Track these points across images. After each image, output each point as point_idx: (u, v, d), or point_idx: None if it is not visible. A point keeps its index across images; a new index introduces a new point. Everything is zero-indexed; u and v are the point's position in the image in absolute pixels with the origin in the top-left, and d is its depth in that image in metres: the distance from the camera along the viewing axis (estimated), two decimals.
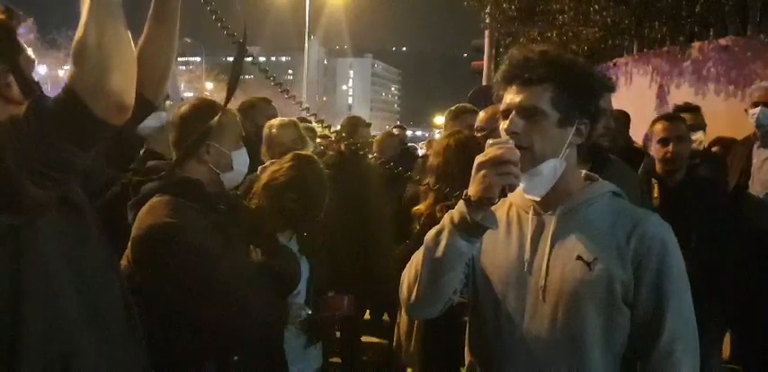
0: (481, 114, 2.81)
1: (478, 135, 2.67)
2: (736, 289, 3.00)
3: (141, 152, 2.71)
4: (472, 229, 1.33)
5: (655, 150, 3.09)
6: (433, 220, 2.16)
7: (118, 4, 1.25)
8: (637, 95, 8.00)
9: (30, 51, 1.44)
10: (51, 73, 30.16)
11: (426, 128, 72.00)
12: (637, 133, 4.14)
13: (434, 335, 2.42)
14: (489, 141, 1.33)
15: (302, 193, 2.29)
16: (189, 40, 49.20)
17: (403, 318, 2.69)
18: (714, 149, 4.21)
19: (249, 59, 1.47)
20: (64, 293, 1.34)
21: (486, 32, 11.89)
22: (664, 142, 3.02)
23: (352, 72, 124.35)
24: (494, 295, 1.47)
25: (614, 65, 9.06)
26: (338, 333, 4.02)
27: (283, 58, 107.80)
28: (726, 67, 6.57)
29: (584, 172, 1.53)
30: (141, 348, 1.53)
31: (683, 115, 3.61)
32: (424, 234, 1.43)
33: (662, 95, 7.69)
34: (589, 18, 8.64)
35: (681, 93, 7.07)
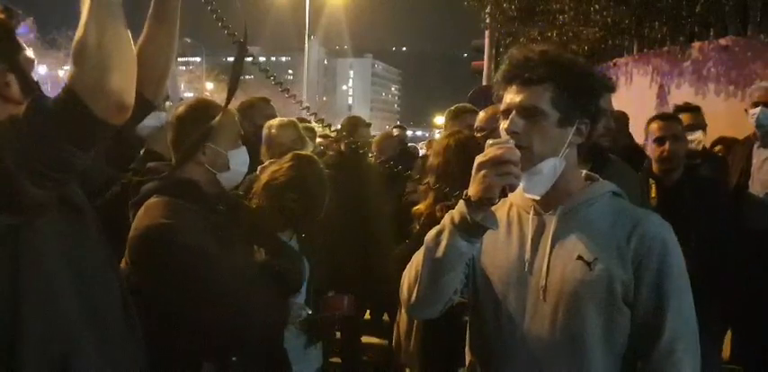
0: (481, 114, 2.81)
1: (478, 135, 2.66)
2: (736, 289, 2.99)
3: (141, 152, 2.71)
4: (472, 229, 1.33)
5: (651, 149, 3.09)
6: (432, 220, 2.15)
7: (118, 4, 1.25)
8: (637, 95, 8.00)
9: (29, 51, 1.44)
10: (51, 73, 30.16)
11: (426, 128, 72.02)
12: (637, 133, 4.14)
13: (434, 335, 2.42)
14: (489, 141, 1.32)
15: (302, 193, 2.28)
16: (189, 40, 49.18)
17: (402, 317, 2.69)
18: (717, 148, 4.21)
19: (249, 59, 1.47)
20: (63, 293, 1.34)
21: (486, 32, 11.90)
22: (660, 141, 3.03)
23: (352, 72, 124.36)
24: (494, 295, 1.47)
25: (614, 65, 9.06)
26: (338, 333, 4.02)
27: (283, 58, 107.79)
28: (726, 67, 6.57)
29: (584, 172, 1.53)
30: (140, 348, 1.53)
31: (683, 115, 3.61)
32: (424, 234, 1.43)
33: (662, 95, 7.70)
34: (589, 18, 8.64)
35: (681, 93, 7.07)
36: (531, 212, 1.47)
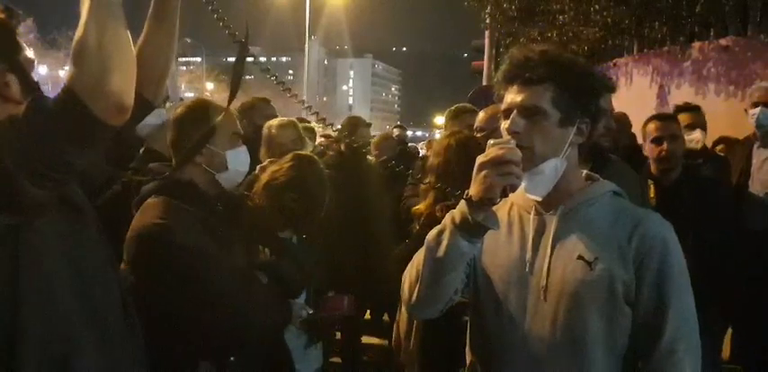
0: (481, 114, 2.81)
1: (478, 135, 2.66)
2: (736, 289, 2.99)
3: (141, 151, 2.71)
4: (473, 229, 1.33)
5: (649, 149, 3.09)
6: (432, 220, 2.15)
7: (118, 4, 1.25)
8: (637, 95, 8.00)
9: (29, 51, 1.44)
10: (52, 73, 30.19)
11: (426, 128, 72.04)
12: (637, 133, 4.14)
13: (434, 335, 2.42)
14: (491, 141, 1.32)
15: (302, 193, 2.28)
16: (189, 40, 49.20)
17: (402, 317, 2.69)
18: (718, 148, 4.20)
19: (251, 59, 1.47)
20: (63, 293, 1.34)
21: (487, 32, 11.91)
22: (657, 141, 3.03)
23: (352, 72, 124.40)
24: (495, 295, 1.47)
25: (614, 65, 9.07)
26: (338, 333, 4.02)
27: (284, 59, 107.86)
28: (726, 67, 6.57)
29: (585, 171, 1.53)
30: (140, 347, 1.53)
31: (682, 114, 3.61)
32: (425, 235, 1.43)
33: (662, 95, 7.70)
34: (589, 18, 8.65)
35: (681, 93, 7.07)
36: (532, 212, 1.47)
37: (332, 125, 1.45)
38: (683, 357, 1.35)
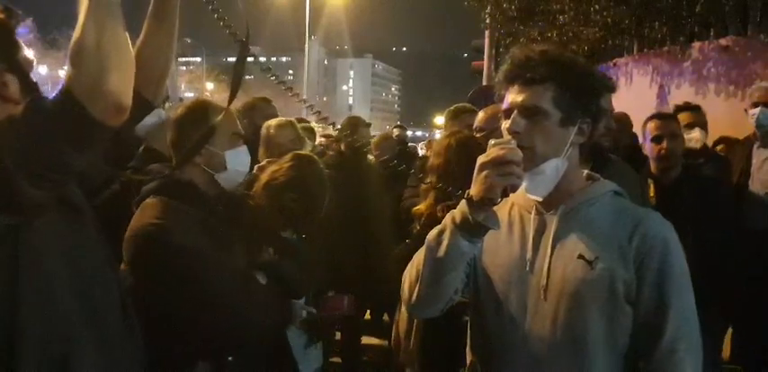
0: (480, 114, 2.81)
1: (478, 135, 2.66)
2: (736, 289, 2.99)
3: (140, 149, 2.70)
4: (474, 229, 1.33)
5: (649, 148, 3.10)
6: (433, 220, 2.15)
7: (116, 4, 1.24)
8: (637, 95, 8.00)
9: (29, 51, 1.44)
10: (52, 73, 30.19)
11: (426, 128, 72.00)
12: (638, 133, 4.13)
13: (434, 335, 2.42)
14: (491, 141, 1.33)
15: (302, 193, 2.28)
16: (189, 41, 49.18)
17: (402, 317, 2.69)
18: (719, 148, 4.20)
19: (251, 59, 1.47)
20: (63, 293, 1.34)
21: (486, 32, 11.91)
22: (657, 139, 3.03)
23: (352, 72, 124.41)
24: (495, 294, 1.47)
25: (614, 65, 9.06)
26: (338, 334, 4.02)
27: (284, 59, 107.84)
28: (726, 67, 6.57)
29: (585, 171, 1.53)
30: (139, 347, 1.53)
31: (682, 113, 3.61)
32: (425, 235, 1.43)
33: (662, 95, 7.70)
34: (589, 18, 8.65)
35: (681, 93, 7.07)
36: (533, 212, 1.47)
37: (333, 124, 1.45)
38: (683, 356, 1.35)
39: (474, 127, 2.79)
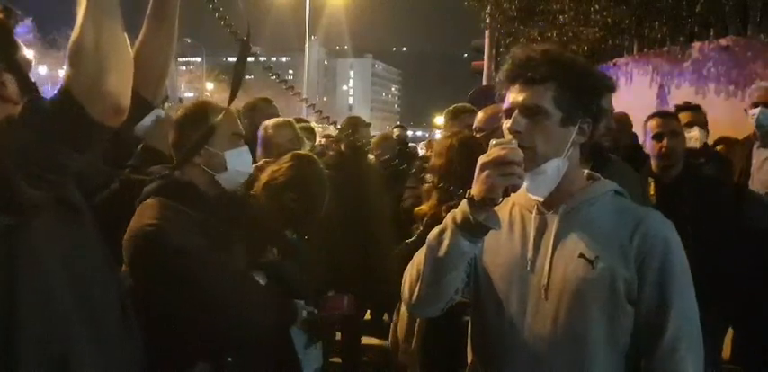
0: (480, 114, 2.81)
1: (478, 135, 2.66)
2: (736, 289, 2.99)
3: (139, 148, 2.69)
4: (475, 229, 1.33)
5: (650, 146, 3.10)
6: (436, 220, 2.15)
7: (115, 4, 1.24)
8: (637, 95, 7.99)
9: (27, 51, 1.44)
10: (51, 73, 30.19)
11: (426, 128, 72.01)
12: (638, 133, 4.13)
13: (436, 336, 2.41)
14: (493, 141, 1.33)
15: (302, 193, 2.28)
16: (189, 41, 49.19)
17: (402, 317, 2.68)
18: (718, 148, 4.20)
19: (251, 59, 1.46)
20: (61, 293, 1.33)
21: (486, 32, 11.92)
22: (658, 137, 3.03)
23: (352, 72, 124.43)
24: (496, 293, 1.47)
25: (614, 65, 9.06)
26: (338, 334, 4.02)
27: (284, 59, 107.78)
28: (726, 67, 6.57)
29: (586, 171, 1.53)
30: (138, 348, 1.52)
31: (682, 113, 3.61)
32: (427, 235, 1.43)
33: (662, 95, 7.69)
34: (589, 18, 8.65)
35: (681, 93, 7.06)
36: (534, 211, 1.47)
37: (335, 123, 1.44)
38: (685, 355, 1.35)
39: (474, 127, 2.79)
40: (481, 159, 1.30)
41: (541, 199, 1.45)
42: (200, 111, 1.94)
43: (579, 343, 1.37)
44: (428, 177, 2.37)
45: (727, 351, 3.59)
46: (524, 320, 1.42)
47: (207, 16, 1.41)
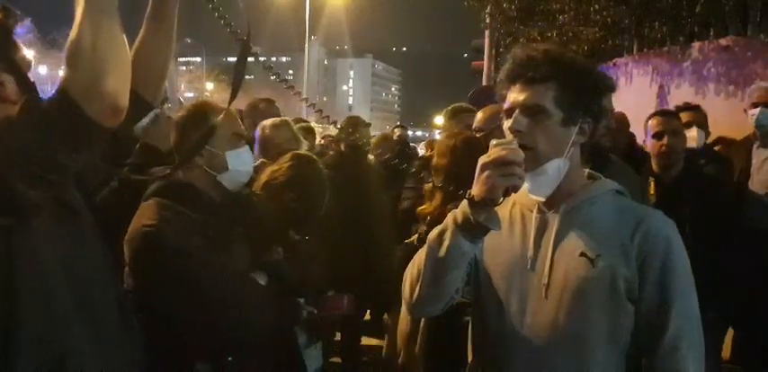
0: (479, 114, 2.81)
1: (477, 135, 2.66)
2: (736, 289, 2.99)
3: (137, 146, 2.69)
4: (475, 229, 1.33)
5: (650, 145, 3.11)
6: (440, 221, 2.15)
7: (113, 5, 1.24)
8: (637, 95, 7.99)
9: (27, 52, 1.44)
10: (51, 73, 30.21)
11: (426, 128, 71.97)
12: (637, 133, 4.13)
13: (440, 340, 2.39)
14: (493, 141, 1.32)
15: (302, 193, 2.28)
16: (189, 41, 49.18)
17: (402, 320, 2.67)
18: (716, 148, 4.20)
19: (252, 59, 1.46)
20: (59, 293, 1.33)
21: (486, 32, 11.91)
22: (658, 136, 3.04)
23: (352, 72, 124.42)
24: (496, 292, 1.47)
25: (614, 65, 9.05)
26: (338, 334, 4.02)
27: (284, 59, 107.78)
28: (726, 67, 6.56)
29: (587, 170, 1.53)
30: (138, 348, 1.52)
31: (683, 113, 3.61)
32: None
33: (662, 95, 7.69)
34: (589, 18, 8.65)
35: (681, 93, 7.06)
36: (535, 210, 1.47)
37: (335, 123, 1.44)
38: (686, 354, 1.35)
39: (473, 127, 2.79)
40: (481, 159, 1.30)
41: (543, 200, 1.45)
42: (201, 112, 1.94)
43: (580, 342, 1.37)
44: (434, 179, 2.36)
45: (727, 351, 3.59)
46: (525, 319, 1.42)
47: (207, 16, 1.40)
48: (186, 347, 1.80)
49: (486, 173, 1.29)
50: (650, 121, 3.12)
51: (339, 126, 1.52)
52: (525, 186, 1.43)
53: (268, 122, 3.36)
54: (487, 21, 10.72)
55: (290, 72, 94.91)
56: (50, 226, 1.34)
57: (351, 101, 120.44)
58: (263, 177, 2.36)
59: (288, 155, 2.43)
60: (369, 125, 4.72)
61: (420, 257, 1.44)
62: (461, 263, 1.40)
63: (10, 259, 1.26)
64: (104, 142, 1.31)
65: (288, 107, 9.96)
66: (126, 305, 1.52)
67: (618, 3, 8.14)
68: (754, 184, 3.38)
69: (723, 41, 6.70)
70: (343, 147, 4.23)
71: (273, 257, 2.13)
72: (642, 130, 3.28)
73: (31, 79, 1.42)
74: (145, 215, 1.82)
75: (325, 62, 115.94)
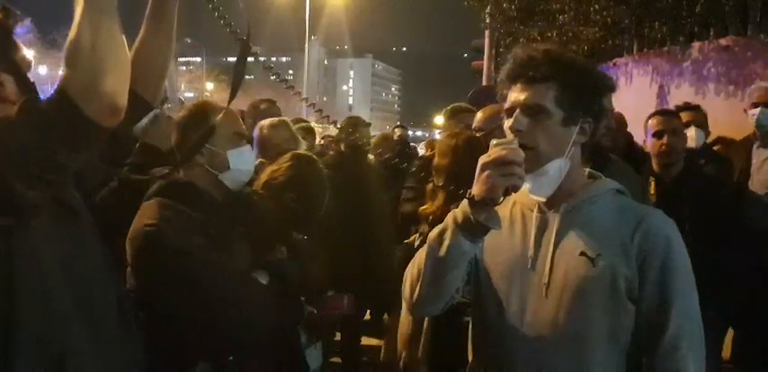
0: (479, 114, 2.81)
1: (477, 135, 2.66)
2: (736, 289, 2.99)
3: (137, 145, 2.69)
4: (475, 229, 1.33)
5: (650, 144, 3.11)
6: (443, 221, 2.14)
7: (113, 5, 1.24)
8: (637, 95, 7.99)
9: (27, 52, 1.44)
10: (51, 73, 30.20)
11: (426, 128, 71.96)
12: (637, 133, 4.13)
13: (442, 343, 2.39)
14: (494, 141, 1.32)
15: (302, 193, 2.28)
16: (189, 41, 49.19)
17: (403, 323, 2.67)
18: (715, 148, 4.20)
19: (252, 59, 1.46)
20: (57, 293, 1.33)
21: (486, 32, 11.91)
22: (658, 135, 3.04)
23: (352, 72, 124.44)
24: (496, 292, 1.47)
25: (614, 65, 9.05)
26: (338, 334, 4.02)
27: (284, 59, 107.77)
28: (726, 67, 6.57)
29: (587, 170, 1.53)
30: (138, 348, 1.52)
31: (682, 113, 3.61)
32: None
33: (662, 95, 7.69)
34: (589, 18, 8.65)
35: (681, 93, 7.06)
36: (535, 210, 1.47)
37: (335, 123, 1.44)
38: (686, 353, 1.35)
39: (473, 127, 2.79)
40: (482, 159, 1.30)
41: (544, 200, 1.45)
42: (201, 112, 1.94)
43: (580, 341, 1.37)
44: (435, 179, 2.36)
45: (727, 351, 3.58)
46: (525, 318, 1.42)
47: (207, 16, 1.40)
48: (187, 346, 1.80)
49: (486, 173, 1.29)
50: (650, 121, 3.13)
51: (339, 126, 1.52)
52: (525, 185, 1.43)
53: (266, 122, 3.35)
54: (487, 21, 10.72)
55: (290, 72, 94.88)
56: (49, 226, 1.34)
57: (351, 101, 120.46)
58: (263, 177, 2.36)
59: (287, 155, 2.43)
60: (369, 125, 4.72)
61: (420, 257, 1.44)
62: (461, 263, 1.40)
63: (9, 259, 1.26)
64: (103, 142, 1.31)
65: (288, 107, 9.97)
66: (125, 305, 1.52)
67: (618, 3, 8.14)
68: (754, 184, 3.38)
69: (723, 41, 6.71)
70: (343, 147, 4.23)
71: (277, 256, 2.13)
72: (642, 130, 3.28)
73: (31, 79, 1.42)
74: (146, 214, 1.82)
75: (325, 62, 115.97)
